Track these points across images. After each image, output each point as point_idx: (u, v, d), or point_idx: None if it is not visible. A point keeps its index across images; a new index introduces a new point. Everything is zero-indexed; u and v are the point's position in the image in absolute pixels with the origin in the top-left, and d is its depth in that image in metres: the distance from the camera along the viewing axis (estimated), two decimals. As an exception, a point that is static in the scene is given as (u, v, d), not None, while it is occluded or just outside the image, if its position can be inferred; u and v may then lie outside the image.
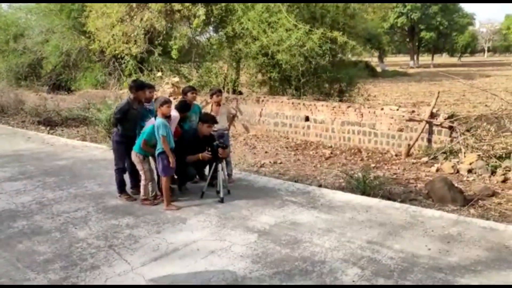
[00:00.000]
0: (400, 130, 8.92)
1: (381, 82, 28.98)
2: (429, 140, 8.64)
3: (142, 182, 5.65)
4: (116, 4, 13.68)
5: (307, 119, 10.37)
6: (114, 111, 6.12)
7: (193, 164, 6.01)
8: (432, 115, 8.57)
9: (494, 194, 6.35)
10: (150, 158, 5.70)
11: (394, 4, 41.13)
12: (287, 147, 9.83)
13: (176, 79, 13.31)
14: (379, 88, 24.47)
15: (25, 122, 13.21)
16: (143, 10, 13.43)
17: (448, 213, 5.39)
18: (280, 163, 8.46)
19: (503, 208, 5.83)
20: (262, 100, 11.24)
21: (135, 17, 13.53)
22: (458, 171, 7.52)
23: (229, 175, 6.60)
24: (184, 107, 6.05)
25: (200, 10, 12.10)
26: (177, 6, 12.31)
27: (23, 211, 5.49)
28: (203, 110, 6.59)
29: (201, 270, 3.92)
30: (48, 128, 12.22)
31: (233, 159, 7.43)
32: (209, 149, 5.92)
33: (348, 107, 9.75)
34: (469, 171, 7.42)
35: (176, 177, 6.12)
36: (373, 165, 8.21)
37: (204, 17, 12.14)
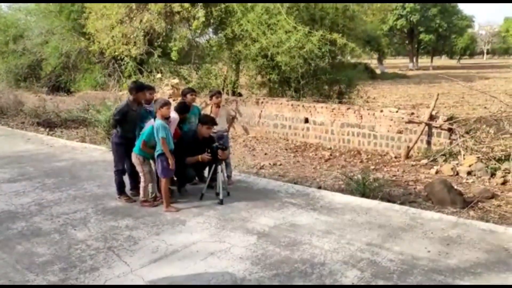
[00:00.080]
0: (400, 132, 8.93)
1: (380, 84, 29.00)
2: (429, 142, 8.65)
3: (142, 184, 5.65)
4: (115, 5, 13.68)
5: (306, 120, 10.38)
6: (113, 113, 6.12)
7: (192, 165, 6.00)
8: (432, 117, 8.58)
9: (493, 196, 6.35)
10: (150, 159, 5.70)
11: (394, 7, 41.18)
12: (286, 149, 9.83)
13: (176, 80, 13.33)
14: (379, 90, 24.49)
15: (24, 123, 13.20)
16: (142, 12, 13.44)
17: (448, 215, 5.39)
18: (280, 164, 8.46)
19: (503, 210, 5.83)
20: (262, 102, 11.25)
21: (134, 18, 13.53)
22: (457, 173, 7.53)
23: (229, 176, 6.59)
24: (183, 109, 6.05)
25: (200, 12, 12.11)
26: (176, 7, 12.32)
27: (22, 212, 5.48)
28: (202, 112, 6.60)
29: (201, 272, 3.91)
30: (47, 130, 12.21)
31: (232, 161, 7.42)
32: (209, 150, 5.91)
33: (348, 109, 9.76)
34: (469, 173, 7.43)
35: (175, 178, 6.11)
36: (372, 167, 8.21)
37: (203, 19, 12.14)
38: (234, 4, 11.78)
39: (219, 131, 6.48)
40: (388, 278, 3.78)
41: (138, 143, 5.55)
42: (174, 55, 13.08)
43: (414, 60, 53.10)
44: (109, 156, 6.69)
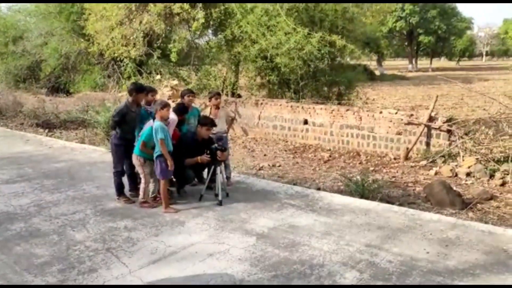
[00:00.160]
0: (399, 133, 8.94)
1: (379, 85, 29.02)
2: (428, 144, 8.66)
3: (142, 185, 5.65)
4: (115, 6, 13.70)
5: (305, 122, 10.39)
6: (112, 114, 6.12)
7: (191, 167, 6.00)
8: (431, 119, 8.59)
9: (492, 197, 6.36)
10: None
11: (393, 8, 41.22)
12: (285, 150, 9.83)
13: (175, 82, 13.35)
14: (378, 91, 24.51)
15: (23, 124, 13.19)
16: (142, 13, 13.45)
17: (447, 217, 5.39)
18: (279, 166, 8.46)
19: (502, 212, 5.83)
20: (261, 103, 11.26)
21: (134, 20, 13.55)
22: (456, 175, 7.54)
23: (228, 178, 6.59)
24: (182, 110, 6.05)
25: (199, 13, 12.12)
26: (176, 9, 12.33)
27: (21, 213, 5.47)
28: (202, 113, 6.60)
29: (199, 273, 3.91)
30: (46, 131, 12.20)
31: (231, 162, 7.43)
32: (208, 152, 5.91)
33: (347, 110, 9.76)
34: (468, 174, 7.44)
35: (174, 180, 6.11)
36: (371, 168, 8.21)
37: (203, 20, 12.17)
38: (234, 6, 11.80)
39: (219, 132, 6.48)
40: (387, 279, 3.78)
41: (138, 144, 5.55)
42: (173, 57, 13.10)
43: (413, 61, 53.16)
44: (108, 157, 6.69)
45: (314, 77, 12.24)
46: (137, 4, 13.47)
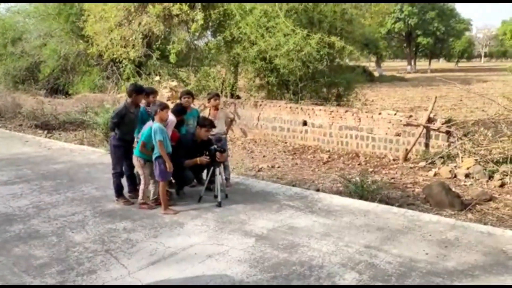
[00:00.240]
0: (398, 134, 8.95)
1: (378, 87, 29.06)
2: (427, 145, 8.67)
3: (141, 187, 5.64)
4: (114, 8, 13.70)
5: (305, 123, 10.39)
6: (111, 115, 6.12)
7: (191, 168, 6.00)
8: (430, 120, 8.60)
9: (491, 198, 6.36)
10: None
11: (392, 10, 41.32)
12: (285, 151, 9.83)
13: (174, 83, 13.34)
14: (377, 92, 24.54)
15: (22, 125, 13.18)
16: (141, 15, 13.46)
17: (446, 218, 5.40)
18: (278, 167, 8.46)
19: (501, 213, 5.84)
20: (260, 105, 11.26)
21: (133, 21, 13.56)
22: (455, 176, 7.54)
23: (227, 179, 6.59)
24: (180, 110, 6.04)
25: (198, 14, 12.13)
26: (175, 10, 12.34)
27: (19, 215, 5.46)
28: (201, 114, 6.60)
29: (199, 274, 3.91)
30: (45, 132, 12.19)
31: (231, 163, 7.43)
32: (207, 153, 5.91)
33: (346, 111, 9.77)
34: (467, 175, 7.44)
35: (173, 181, 6.11)
36: (371, 169, 8.22)
37: (202, 22, 12.17)
38: (233, 7, 11.80)
39: (218, 134, 6.48)
40: (386, 281, 3.78)
41: (138, 145, 5.55)
42: (172, 58, 13.10)
43: (412, 63, 53.30)
44: (107, 159, 6.68)
45: (313, 78, 12.24)
46: (136, 5, 13.48)
